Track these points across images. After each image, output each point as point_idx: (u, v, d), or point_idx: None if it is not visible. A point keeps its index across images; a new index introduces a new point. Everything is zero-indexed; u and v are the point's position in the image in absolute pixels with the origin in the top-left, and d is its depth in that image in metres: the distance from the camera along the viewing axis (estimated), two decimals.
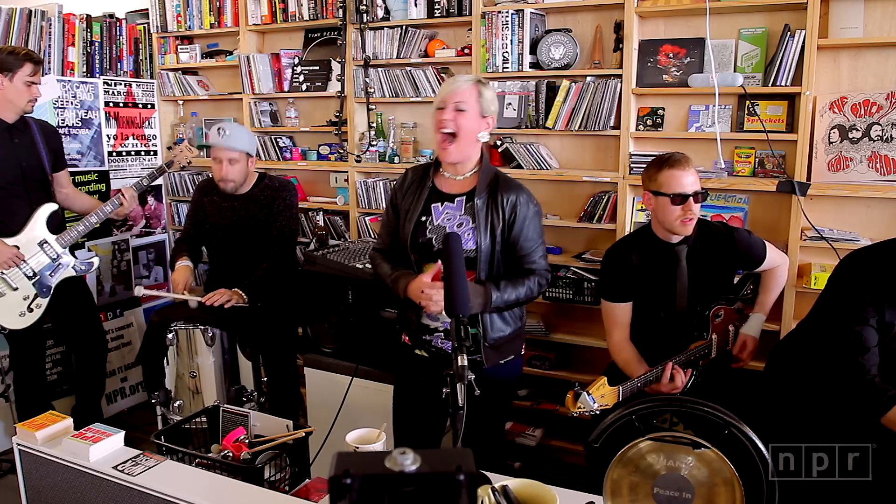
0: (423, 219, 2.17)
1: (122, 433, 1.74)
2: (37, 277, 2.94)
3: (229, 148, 2.94)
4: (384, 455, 0.75)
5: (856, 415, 1.95)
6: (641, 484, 1.34)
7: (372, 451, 1.63)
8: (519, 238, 2.14)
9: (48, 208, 3.00)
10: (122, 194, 3.11)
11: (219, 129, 2.95)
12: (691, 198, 2.25)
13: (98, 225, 3.14)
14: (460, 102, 2.07)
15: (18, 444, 1.75)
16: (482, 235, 2.11)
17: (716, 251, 2.37)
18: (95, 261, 3.19)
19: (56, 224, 3.06)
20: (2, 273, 2.86)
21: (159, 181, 4.00)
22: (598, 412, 2.06)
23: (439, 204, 2.17)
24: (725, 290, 2.45)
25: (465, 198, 2.16)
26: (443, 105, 2.10)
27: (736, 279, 2.54)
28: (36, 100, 2.96)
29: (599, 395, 2.05)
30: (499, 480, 1.45)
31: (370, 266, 2.47)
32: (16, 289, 2.90)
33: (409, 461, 0.73)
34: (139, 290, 3.06)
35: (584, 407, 2.05)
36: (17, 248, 2.88)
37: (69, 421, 1.79)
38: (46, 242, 2.97)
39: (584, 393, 2.04)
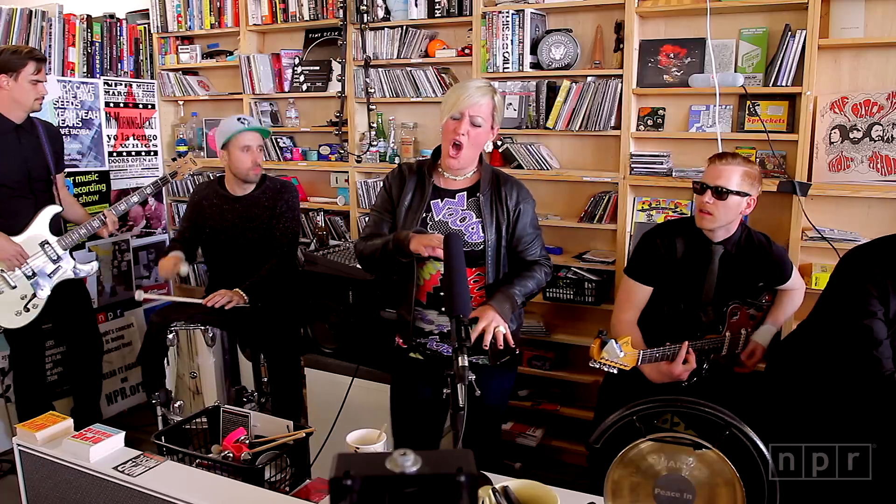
0: (424, 215, 2.16)
1: (123, 434, 1.74)
2: (35, 277, 2.94)
3: (256, 132, 2.99)
4: (385, 456, 0.75)
5: (872, 409, 1.94)
6: (642, 485, 1.34)
7: (372, 451, 1.63)
8: (523, 233, 2.17)
9: (51, 210, 3.00)
10: (104, 217, 3.07)
11: (239, 119, 3.00)
12: (709, 190, 2.24)
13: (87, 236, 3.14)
14: (477, 117, 2.06)
15: (19, 445, 1.75)
16: (489, 229, 2.12)
17: (750, 260, 2.37)
18: (95, 265, 3.19)
19: (57, 227, 3.06)
20: (1, 271, 2.86)
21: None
22: (615, 370, 2.09)
23: (439, 200, 2.17)
24: (747, 297, 2.46)
25: (466, 193, 2.17)
26: (459, 116, 2.07)
27: None
28: (43, 98, 2.97)
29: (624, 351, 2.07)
30: (500, 481, 1.45)
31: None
32: (14, 287, 2.90)
33: (409, 462, 0.72)
34: (139, 295, 3.08)
35: (610, 356, 2.05)
36: (20, 245, 2.88)
37: (69, 421, 1.79)
38: (48, 243, 2.97)
39: (612, 341, 2.04)
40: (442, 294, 2.12)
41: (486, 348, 1.98)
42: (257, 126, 3.06)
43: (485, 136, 2.12)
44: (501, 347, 1.98)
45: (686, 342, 2.23)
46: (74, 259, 3.08)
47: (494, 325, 1.96)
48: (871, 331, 1.93)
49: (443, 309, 2.15)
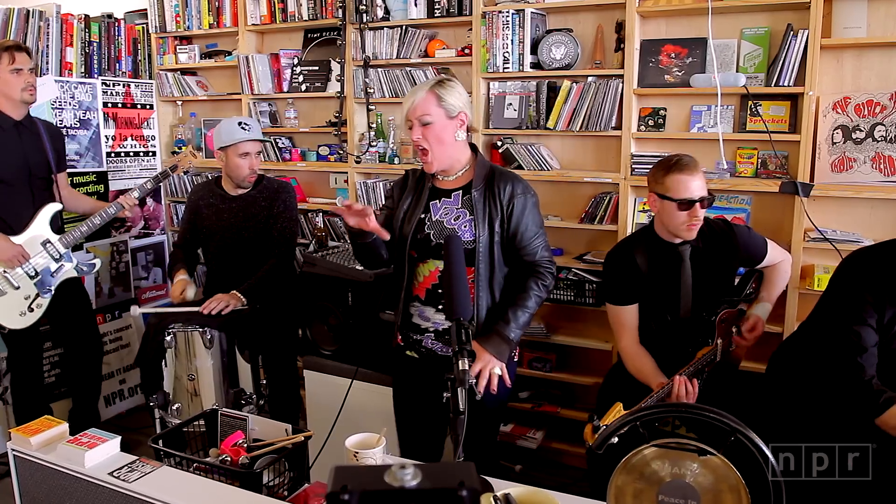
0: (423, 216, 2.16)
1: (118, 438, 1.72)
2: (38, 277, 2.92)
3: (257, 140, 2.97)
4: (384, 469, 0.73)
5: (853, 414, 1.93)
6: (646, 491, 1.32)
7: (372, 459, 1.61)
8: (518, 229, 2.12)
9: (52, 208, 2.99)
10: (124, 201, 3.07)
11: (241, 124, 2.96)
12: (698, 203, 2.21)
13: (101, 226, 3.12)
14: (423, 116, 2.05)
15: (13, 450, 1.73)
16: (480, 227, 2.09)
17: (718, 250, 2.34)
18: (97, 262, 3.17)
19: (58, 225, 3.05)
20: (4, 272, 2.84)
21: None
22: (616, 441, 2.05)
23: (437, 201, 2.17)
24: (728, 292, 2.43)
25: (461, 191, 2.15)
26: (409, 123, 2.09)
27: (736, 280, 2.52)
28: (34, 87, 2.94)
29: None
30: (501, 487, 1.43)
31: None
32: (17, 288, 2.88)
33: (409, 476, 0.70)
34: (135, 311, 2.99)
35: None
36: (21, 246, 2.87)
37: (64, 426, 1.76)
38: (49, 242, 2.95)
39: (603, 426, 2.02)
40: (440, 291, 2.11)
41: (481, 394, 1.98)
42: (259, 136, 3.02)
43: (444, 129, 2.07)
44: (494, 391, 2.00)
45: (677, 377, 2.13)
46: (75, 258, 3.07)
47: (490, 368, 2.01)
48: (860, 337, 1.92)
49: (440, 307, 2.14)
